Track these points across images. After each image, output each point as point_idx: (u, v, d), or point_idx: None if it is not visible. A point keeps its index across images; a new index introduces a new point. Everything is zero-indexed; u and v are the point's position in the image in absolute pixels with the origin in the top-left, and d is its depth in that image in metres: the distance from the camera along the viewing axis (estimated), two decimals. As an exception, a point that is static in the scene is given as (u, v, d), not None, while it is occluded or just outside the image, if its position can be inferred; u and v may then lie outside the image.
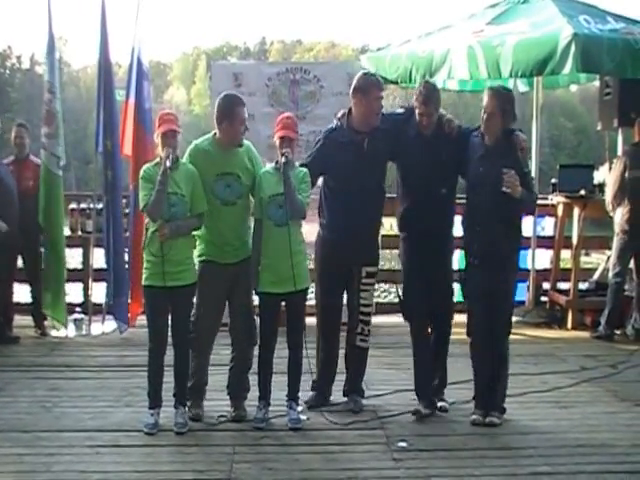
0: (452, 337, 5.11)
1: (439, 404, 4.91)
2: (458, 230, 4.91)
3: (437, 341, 4.98)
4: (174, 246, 4.48)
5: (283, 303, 4.73)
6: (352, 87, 4.90)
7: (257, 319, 4.81)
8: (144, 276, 4.59)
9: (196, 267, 4.71)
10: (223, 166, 4.63)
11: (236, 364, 4.83)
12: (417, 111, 4.79)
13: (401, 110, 5.16)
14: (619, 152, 7.49)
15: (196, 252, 4.73)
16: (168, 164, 4.39)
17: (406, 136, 4.83)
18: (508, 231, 4.63)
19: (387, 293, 10.01)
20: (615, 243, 6.98)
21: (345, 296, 5.06)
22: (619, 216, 6.89)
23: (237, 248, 4.69)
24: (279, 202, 4.53)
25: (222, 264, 4.66)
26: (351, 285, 4.94)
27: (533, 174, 7.81)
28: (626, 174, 6.81)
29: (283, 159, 4.49)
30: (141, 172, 4.59)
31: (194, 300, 4.73)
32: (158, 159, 4.55)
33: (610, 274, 7.05)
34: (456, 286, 5.09)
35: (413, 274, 4.93)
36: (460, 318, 5.00)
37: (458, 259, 5.38)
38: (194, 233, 4.66)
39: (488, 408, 4.71)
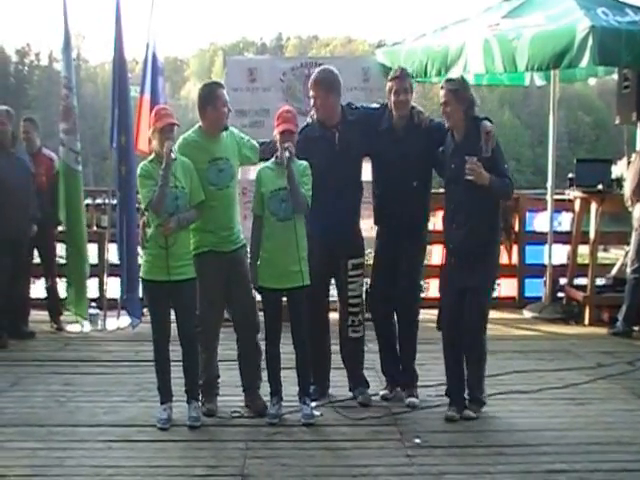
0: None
1: (408, 400, 4.90)
2: (439, 225, 4.89)
3: (401, 333, 5.03)
4: (177, 240, 4.49)
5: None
6: None
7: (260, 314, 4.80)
8: (144, 269, 4.59)
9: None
10: (213, 152, 4.68)
11: (245, 356, 4.83)
12: (393, 90, 4.83)
13: (376, 105, 5.14)
14: (638, 146, 7.40)
15: (191, 246, 4.69)
16: (173, 156, 4.39)
17: (378, 130, 4.87)
18: (485, 227, 4.56)
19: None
20: (634, 238, 6.90)
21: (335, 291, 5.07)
22: (638, 211, 6.81)
23: (232, 233, 4.73)
24: (281, 197, 4.52)
25: (219, 252, 4.67)
26: (338, 279, 4.96)
27: (550, 168, 7.80)
28: None
29: (287, 153, 4.46)
30: (138, 170, 4.59)
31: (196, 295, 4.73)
32: (153, 155, 4.55)
33: (628, 270, 6.97)
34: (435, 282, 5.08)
35: (383, 263, 5.00)
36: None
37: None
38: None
39: (462, 404, 4.70)
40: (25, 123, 6.94)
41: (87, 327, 7.01)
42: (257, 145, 4.90)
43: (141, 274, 4.64)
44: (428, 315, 5.13)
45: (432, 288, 7.27)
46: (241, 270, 4.73)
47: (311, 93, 4.86)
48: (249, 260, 4.76)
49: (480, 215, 4.53)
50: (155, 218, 4.49)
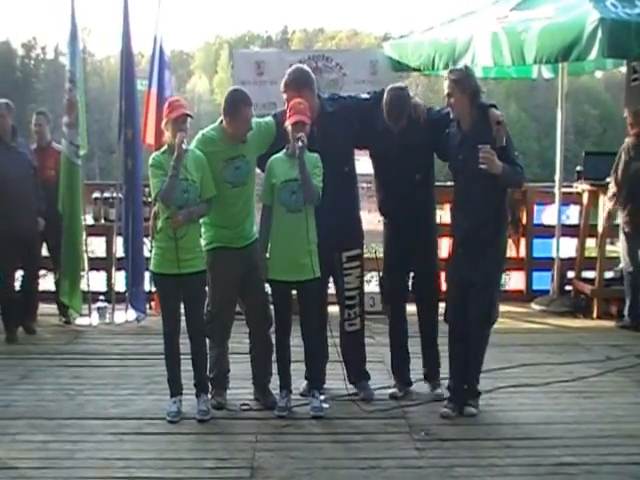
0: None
1: (436, 391, 4.92)
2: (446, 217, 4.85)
3: (424, 327, 5.00)
4: (187, 233, 4.49)
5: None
6: None
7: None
8: (154, 262, 4.60)
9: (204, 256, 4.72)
10: (229, 152, 4.64)
11: (259, 350, 4.83)
12: (386, 117, 4.71)
13: (366, 95, 5.06)
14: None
15: (204, 240, 4.72)
16: (184, 147, 4.39)
17: (373, 127, 4.79)
18: (492, 217, 4.49)
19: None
20: (620, 236, 6.92)
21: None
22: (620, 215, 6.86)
23: (245, 228, 4.73)
24: (292, 188, 4.50)
25: (232, 248, 4.67)
26: (334, 272, 4.93)
27: (557, 161, 7.78)
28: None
29: (300, 143, 4.42)
30: (150, 160, 4.59)
31: (206, 288, 4.74)
32: (166, 147, 4.55)
33: (623, 265, 6.97)
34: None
35: (392, 260, 4.98)
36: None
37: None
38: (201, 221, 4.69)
39: (461, 401, 4.66)
40: (38, 116, 6.94)
41: (95, 320, 7.03)
42: (272, 121, 4.81)
43: (151, 267, 4.64)
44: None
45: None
46: (254, 264, 4.71)
47: (284, 97, 4.76)
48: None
49: (489, 205, 4.47)
50: (164, 210, 4.50)
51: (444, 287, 5.05)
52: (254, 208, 4.85)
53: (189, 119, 4.53)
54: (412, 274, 5.06)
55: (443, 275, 5.06)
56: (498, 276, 4.80)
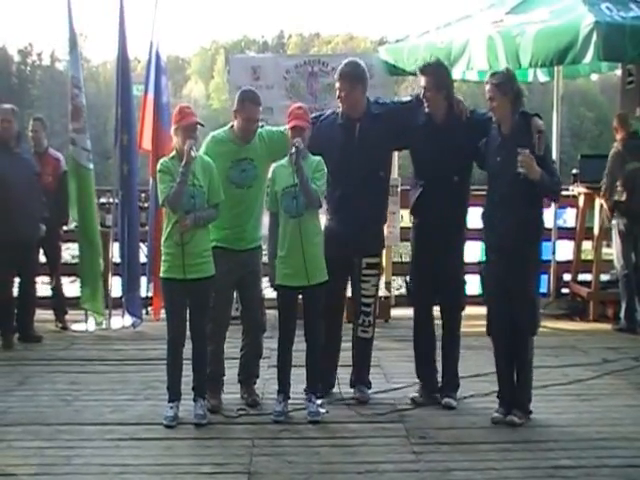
0: (472, 330, 5.11)
1: (444, 400, 4.85)
2: (477, 222, 4.83)
3: (445, 336, 4.95)
4: (194, 238, 4.49)
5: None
6: None
7: (272, 312, 4.82)
8: (163, 269, 4.61)
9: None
10: (238, 153, 4.70)
11: (248, 350, 4.89)
12: (418, 73, 4.79)
13: (408, 98, 5.10)
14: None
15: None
16: (193, 155, 4.40)
17: (415, 124, 4.79)
18: (528, 222, 4.47)
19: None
20: (614, 238, 6.93)
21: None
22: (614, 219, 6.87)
23: (251, 233, 4.75)
24: (292, 193, 4.51)
25: (234, 251, 4.69)
26: (353, 276, 4.92)
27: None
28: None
29: (293, 149, 4.45)
30: (158, 166, 4.60)
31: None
32: (174, 152, 4.56)
33: (618, 268, 6.98)
34: (476, 278, 5.04)
35: (420, 261, 4.93)
36: (475, 310, 5.03)
37: (479, 251, 5.31)
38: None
39: (510, 407, 4.62)
40: (34, 122, 6.96)
41: (92, 326, 7.02)
42: (284, 132, 4.79)
43: (160, 274, 4.65)
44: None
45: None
46: (253, 270, 4.76)
47: (337, 85, 4.83)
48: (266, 258, 4.78)
49: (525, 210, 4.42)
50: (172, 215, 4.50)
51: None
52: (261, 214, 4.85)
53: (199, 127, 4.55)
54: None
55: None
56: (537, 283, 4.76)
